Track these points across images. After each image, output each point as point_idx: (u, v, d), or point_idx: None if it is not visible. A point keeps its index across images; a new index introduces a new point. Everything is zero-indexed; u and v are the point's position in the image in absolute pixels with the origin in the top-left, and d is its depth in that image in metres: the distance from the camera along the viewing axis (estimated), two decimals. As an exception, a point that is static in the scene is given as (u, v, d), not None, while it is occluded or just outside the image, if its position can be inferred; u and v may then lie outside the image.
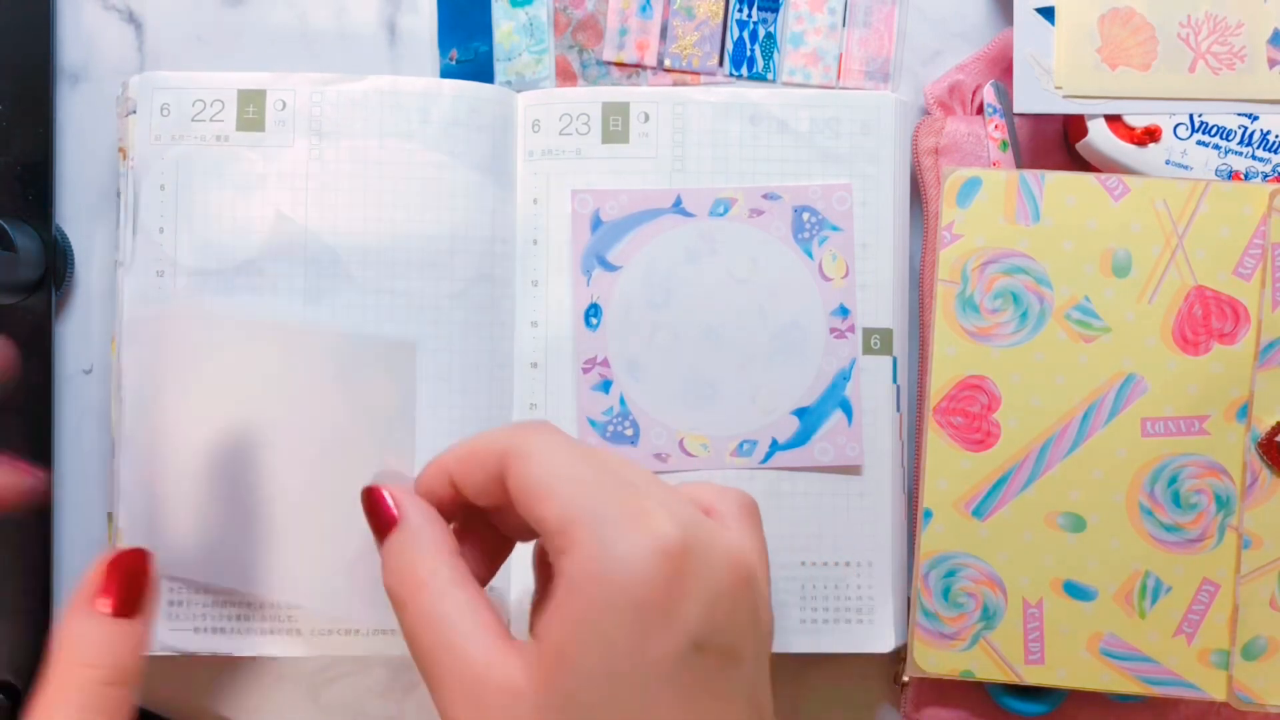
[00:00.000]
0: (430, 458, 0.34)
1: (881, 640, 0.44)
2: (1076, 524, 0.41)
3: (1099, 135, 0.43)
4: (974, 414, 0.42)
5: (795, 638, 0.44)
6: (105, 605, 0.34)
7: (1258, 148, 0.42)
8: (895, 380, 0.44)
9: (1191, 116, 0.42)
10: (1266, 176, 0.42)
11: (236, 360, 0.43)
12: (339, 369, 0.43)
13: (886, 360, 0.44)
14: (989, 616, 0.42)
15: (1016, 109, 0.43)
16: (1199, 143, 0.43)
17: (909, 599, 0.45)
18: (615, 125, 0.45)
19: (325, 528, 0.43)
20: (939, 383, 0.42)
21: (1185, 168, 0.42)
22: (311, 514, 0.43)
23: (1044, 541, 0.42)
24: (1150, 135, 0.42)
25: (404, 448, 0.43)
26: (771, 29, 0.46)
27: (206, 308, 0.43)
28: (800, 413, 0.44)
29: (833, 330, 0.44)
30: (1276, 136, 0.42)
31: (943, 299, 0.42)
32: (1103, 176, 0.42)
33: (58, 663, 0.33)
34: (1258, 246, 0.41)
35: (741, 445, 0.44)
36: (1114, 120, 0.43)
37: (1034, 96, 0.43)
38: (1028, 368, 0.42)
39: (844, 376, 0.44)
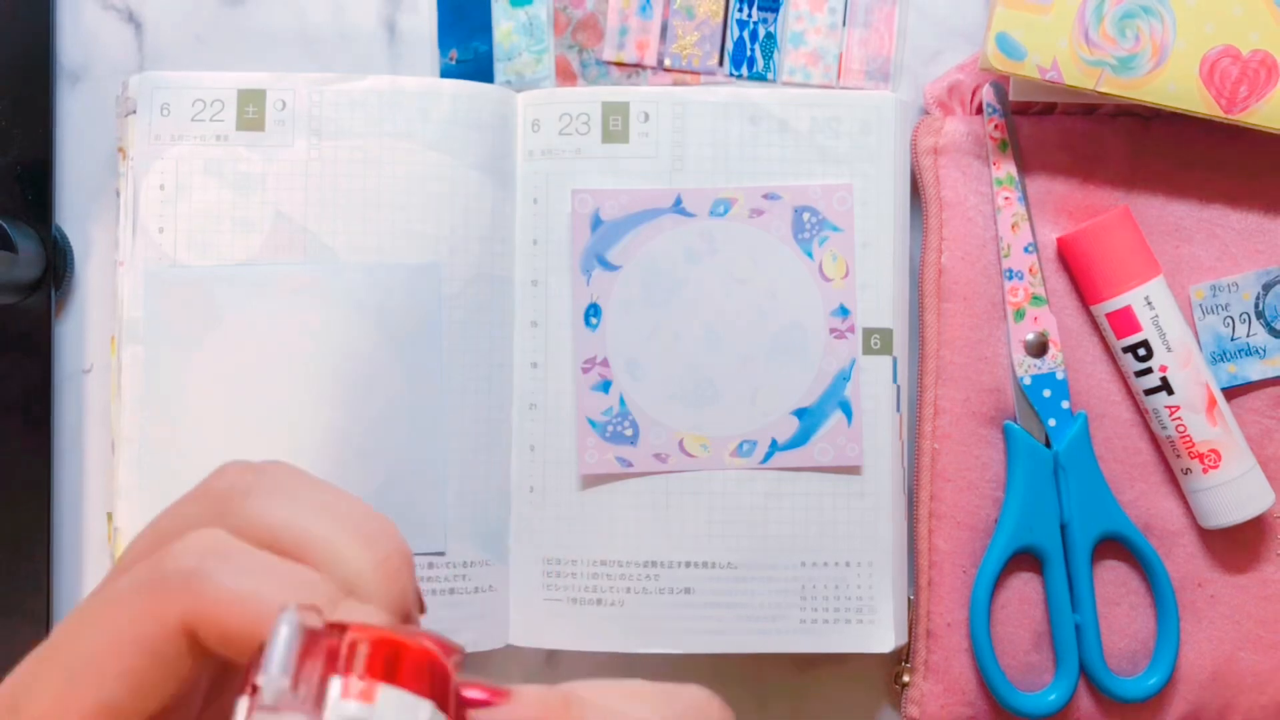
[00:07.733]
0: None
1: (881, 640, 0.44)
2: None
3: None
4: None
5: (795, 638, 0.44)
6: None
7: None
8: (895, 380, 0.44)
9: None
10: None
11: (255, 308, 0.44)
12: (362, 302, 0.43)
13: (886, 360, 0.44)
14: None
15: (1013, 96, 0.43)
16: None
17: (909, 599, 0.45)
18: (615, 125, 0.45)
19: (348, 464, 0.43)
20: None
21: None
22: (334, 452, 0.43)
23: None
24: None
25: (431, 372, 0.43)
26: (771, 29, 0.46)
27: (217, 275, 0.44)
28: (800, 413, 0.44)
29: (832, 330, 0.44)
30: None
31: None
32: None
33: None
34: None
35: (741, 445, 0.44)
36: None
37: (1031, 84, 0.43)
38: None
39: (844, 377, 0.44)
